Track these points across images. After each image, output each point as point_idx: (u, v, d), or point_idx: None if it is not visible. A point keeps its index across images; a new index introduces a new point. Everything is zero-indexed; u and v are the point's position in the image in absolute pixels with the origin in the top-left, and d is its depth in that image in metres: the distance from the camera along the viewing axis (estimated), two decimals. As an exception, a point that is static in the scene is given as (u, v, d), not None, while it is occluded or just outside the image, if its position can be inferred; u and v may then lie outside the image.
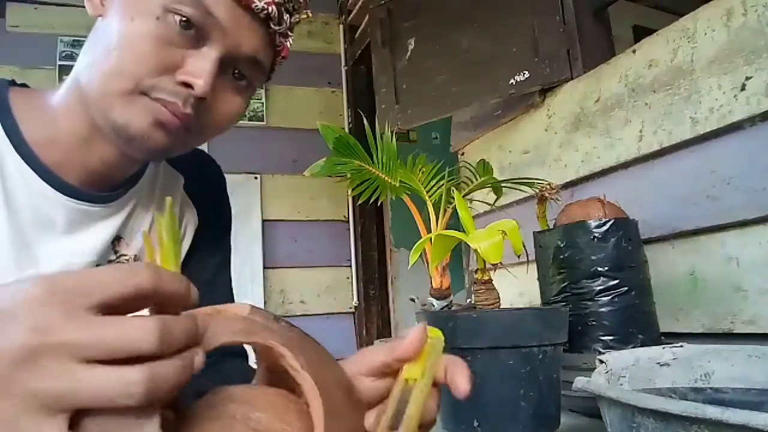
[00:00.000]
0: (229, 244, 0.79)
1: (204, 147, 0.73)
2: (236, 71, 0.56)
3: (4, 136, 0.55)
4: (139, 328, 0.25)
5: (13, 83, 0.60)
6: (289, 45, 0.60)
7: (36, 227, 0.56)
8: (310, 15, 0.60)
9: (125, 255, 0.63)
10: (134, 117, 0.52)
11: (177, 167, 0.71)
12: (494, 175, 0.97)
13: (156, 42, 0.51)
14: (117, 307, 0.26)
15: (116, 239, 0.62)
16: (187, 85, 0.52)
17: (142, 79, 0.51)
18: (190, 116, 0.53)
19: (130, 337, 0.25)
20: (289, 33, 0.59)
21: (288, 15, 0.57)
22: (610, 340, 0.76)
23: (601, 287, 0.78)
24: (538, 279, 0.89)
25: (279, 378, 0.34)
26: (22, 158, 0.55)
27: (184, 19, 0.51)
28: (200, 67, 0.52)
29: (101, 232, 0.60)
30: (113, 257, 0.62)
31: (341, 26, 2.95)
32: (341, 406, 0.31)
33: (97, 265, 0.59)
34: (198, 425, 0.29)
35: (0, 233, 0.54)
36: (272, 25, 0.55)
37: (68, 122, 0.56)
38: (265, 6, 0.53)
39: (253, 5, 0.53)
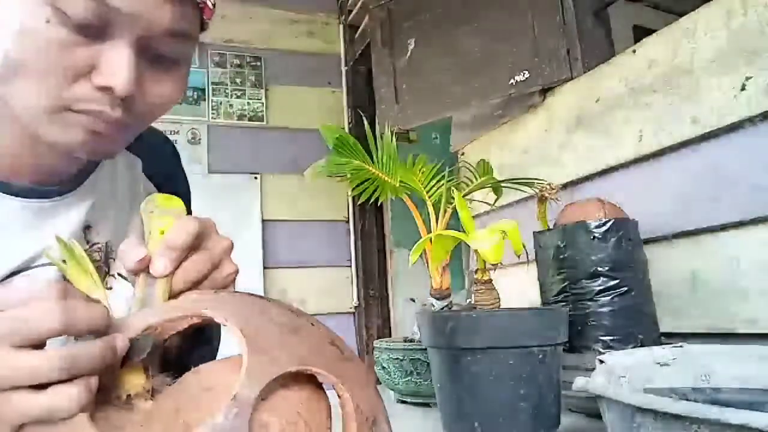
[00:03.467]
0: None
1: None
2: (161, 51, 0.50)
3: None
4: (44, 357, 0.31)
5: None
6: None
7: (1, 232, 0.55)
8: None
9: (97, 243, 0.62)
10: (66, 134, 0.49)
11: (133, 151, 0.70)
12: (494, 175, 0.97)
13: (55, 49, 0.45)
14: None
15: (87, 228, 0.61)
16: (109, 89, 0.47)
17: (56, 94, 0.47)
18: (121, 120, 0.50)
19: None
20: None
21: None
22: (610, 340, 0.76)
23: (601, 287, 0.78)
24: (538, 279, 0.89)
25: None
26: None
27: (77, 16, 0.45)
28: (114, 64, 0.46)
29: (67, 225, 0.59)
30: (86, 246, 0.61)
31: (341, 26, 2.95)
32: (269, 346, 0.33)
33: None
34: (165, 392, 0.36)
35: None
36: None
37: (5, 130, 0.54)
38: None
39: None
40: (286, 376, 0.32)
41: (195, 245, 0.43)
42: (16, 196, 0.56)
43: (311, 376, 0.34)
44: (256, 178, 2.63)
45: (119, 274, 0.63)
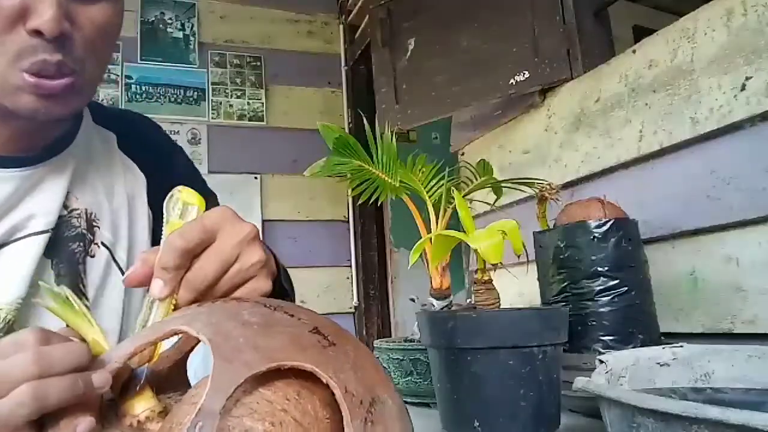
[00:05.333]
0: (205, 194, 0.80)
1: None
2: None
3: None
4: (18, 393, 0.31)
5: None
6: None
7: None
8: None
9: (76, 209, 0.62)
10: (17, 99, 0.51)
11: (106, 127, 0.70)
12: (494, 175, 0.97)
13: None
14: None
15: (66, 195, 0.61)
16: (38, 31, 0.48)
17: None
18: (64, 63, 0.50)
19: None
20: None
21: None
22: (610, 340, 0.76)
23: (601, 287, 0.78)
24: (538, 279, 0.89)
25: None
26: None
27: None
28: (38, 4, 0.47)
29: (49, 192, 0.60)
30: (64, 213, 0.61)
31: (341, 26, 2.95)
32: (238, 350, 0.32)
33: (55, 227, 0.59)
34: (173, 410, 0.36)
35: None
36: None
37: None
38: None
39: None
40: (266, 376, 0.31)
41: (203, 245, 0.42)
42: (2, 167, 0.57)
43: (302, 370, 0.33)
44: (256, 178, 2.64)
45: (102, 243, 0.63)
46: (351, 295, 2.76)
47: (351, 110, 2.84)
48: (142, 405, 0.36)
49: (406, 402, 0.95)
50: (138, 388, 0.36)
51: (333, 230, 2.77)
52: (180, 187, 0.46)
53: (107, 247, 0.64)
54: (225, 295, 0.43)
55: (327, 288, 2.70)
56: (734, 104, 0.91)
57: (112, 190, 0.67)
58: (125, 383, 0.37)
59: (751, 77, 0.89)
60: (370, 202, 0.88)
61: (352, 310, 2.75)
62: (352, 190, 0.88)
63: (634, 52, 1.13)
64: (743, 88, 0.90)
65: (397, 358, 0.86)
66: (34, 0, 0.47)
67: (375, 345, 0.93)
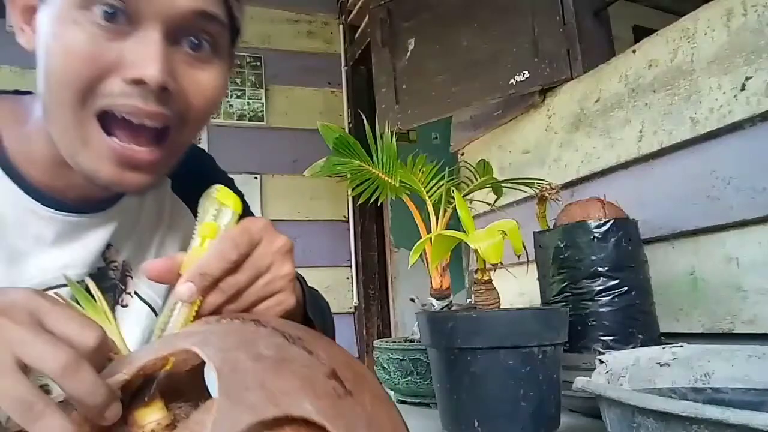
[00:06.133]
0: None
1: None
2: (192, 39, 0.48)
3: None
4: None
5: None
6: None
7: (24, 242, 0.54)
8: None
9: (114, 262, 0.61)
10: (97, 168, 0.48)
11: None
12: (494, 175, 0.97)
13: (85, 45, 0.44)
14: None
15: (107, 246, 0.60)
16: (140, 81, 0.45)
17: (83, 86, 0.45)
18: (162, 115, 0.47)
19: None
20: None
21: None
22: (610, 340, 0.76)
23: (601, 287, 0.78)
24: (538, 279, 0.89)
25: None
26: (6, 173, 0.53)
27: (104, 7, 0.44)
28: (143, 53, 0.45)
29: (92, 242, 0.58)
30: (102, 264, 0.60)
31: (341, 26, 2.95)
32: (245, 388, 0.30)
33: (89, 275, 0.57)
34: (182, 423, 0.35)
35: None
36: None
37: (41, 146, 0.53)
38: None
39: None
40: (266, 423, 0.29)
41: (246, 257, 0.41)
42: (48, 207, 0.55)
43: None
44: (256, 178, 2.64)
45: (136, 293, 0.63)
46: (351, 295, 2.76)
47: (351, 110, 2.84)
48: (150, 416, 0.35)
49: (406, 402, 0.96)
50: (147, 398, 0.35)
51: (333, 230, 2.77)
52: (218, 186, 0.45)
53: (143, 300, 0.63)
54: (251, 305, 0.42)
55: (327, 288, 2.70)
56: (734, 104, 0.91)
57: (152, 241, 0.65)
58: (137, 389, 0.36)
59: (751, 77, 0.89)
60: (370, 202, 0.88)
61: (352, 310, 2.75)
62: (352, 190, 0.88)
63: (634, 52, 1.13)
64: (743, 88, 0.90)
65: (397, 358, 0.86)
66: (137, 48, 0.45)
67: (375, 345, 0.93)
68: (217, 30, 0.50)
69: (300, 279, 0.55)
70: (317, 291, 0.70)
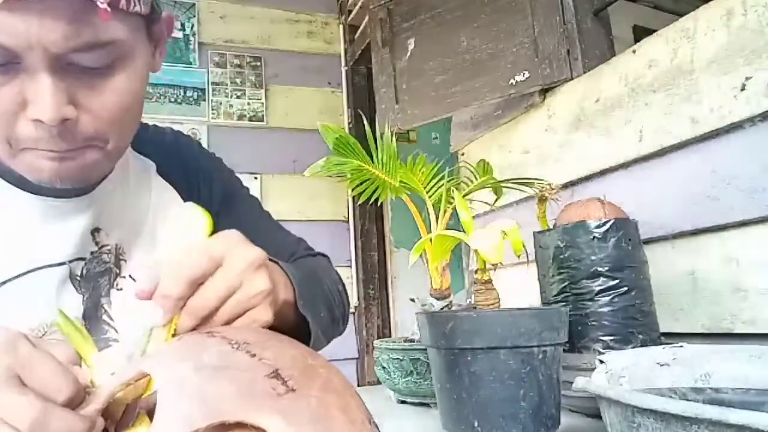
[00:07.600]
0: (243, 201, 0.79)
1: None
2: (80, 64, 0.47)
3: None
4: None
5: None
6: None
7: (11, 228, 0.56)
8: None
9: (107, 245, 0.62)
10: (32, 172, 0.50)
11: (145, 154, 0.69)
12: (494, 175, 0.97)
13: None
14: None
15: (96, 231, 0.61)
16: (39, 121, 0.45)
17: (3, 137, 0.47)
18: (75, 142, 0.48)
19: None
20: None
21: None
22: (610, 340, 0.76)
23: (601, 287, 0.78)
24: (538, 279, 0.89)
25: None
26: None
27: None
28: (35, 91, 0.45)
29: (77, 226, 0.59)
30: (95, 248, 0.61)
31: (341, 26, 2.95)
32: (183, 401, 0.30)
33: (80, 258, 0.59)
34: None
35: None
36: None
37: None
38: None
39: None
40: (216, 427, 0.29)
41: (208, 274, 0.41)
42: (31, 192, 0.56)
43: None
44: (256, 178, 2.64)
45: (131, 276, 0.64)
46: (351, 295, 2.75)
47: (351, 110, 2.84)
48: None
49: (406, 402, 0.96)
50: (131, 423, 0.36)
51: (333, 230, 2.77)
52: (189, 204, 0.46)
53: (135, 280, 0.64)
54: (226, 323, 0.42)
55: (327, 288, 2.70)
56: (734, 104, 0.91)
57: (143, 224, 0.66)
58: (125, 412, 0.37)
59: (751, 77, 0.89)
60: (370, 202, 0.88)
61: (352, 310, 2.75)
62: (352, 190, 0.88)
63: (634, 52, 1.13)
64: (743, 88, 0.90)
65: (397, 358, 0.86)
66: (31, 88, 0.45)
67: (375, 345, 0.93)
68: (104, 49, 0.47)
69: (291, 276, 0.54)
70: (323, 270, 0.70)
